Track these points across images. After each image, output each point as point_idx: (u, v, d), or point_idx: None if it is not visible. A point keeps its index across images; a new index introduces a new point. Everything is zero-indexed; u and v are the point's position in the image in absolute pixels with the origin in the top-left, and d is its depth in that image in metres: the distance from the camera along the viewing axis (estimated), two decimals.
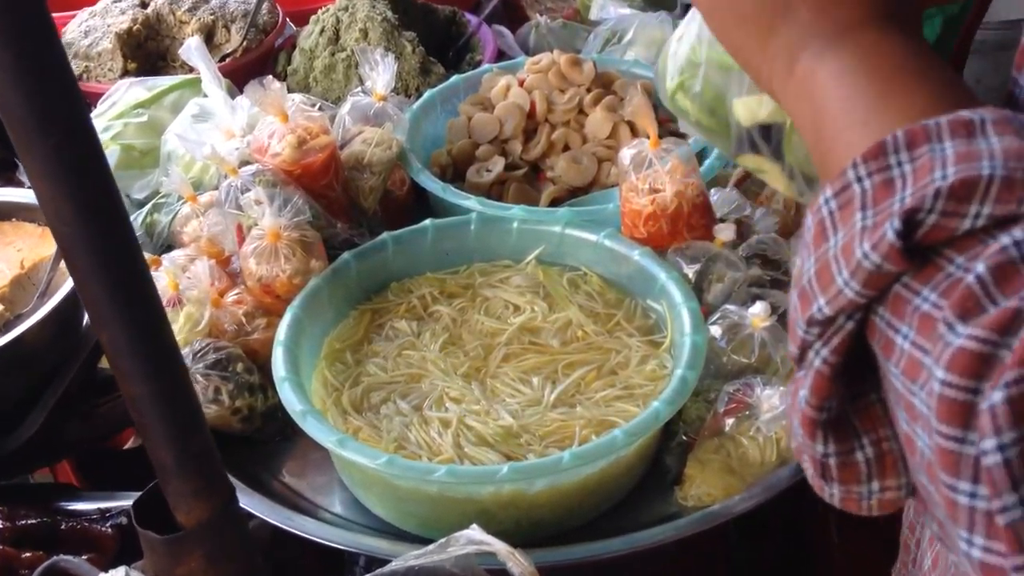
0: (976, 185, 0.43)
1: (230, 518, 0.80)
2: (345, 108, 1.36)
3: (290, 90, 1.70)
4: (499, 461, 1.02)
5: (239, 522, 0.82)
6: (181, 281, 1.18)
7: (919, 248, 0.44)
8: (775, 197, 1.37)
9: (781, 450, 1.06)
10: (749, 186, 1.43)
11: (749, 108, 0.69)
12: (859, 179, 0.47)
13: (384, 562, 0.98)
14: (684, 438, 1.11)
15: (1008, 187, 0.43)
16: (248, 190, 1.23)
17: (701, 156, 1.38)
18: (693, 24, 0.73)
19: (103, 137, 1.54)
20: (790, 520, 1.42)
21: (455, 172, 1.46)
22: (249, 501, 1.06)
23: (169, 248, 1.39)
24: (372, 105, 1.36)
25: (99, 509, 1.17)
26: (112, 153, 1.53)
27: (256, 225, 1.20)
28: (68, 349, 1.28)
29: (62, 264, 1.33)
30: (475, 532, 0.87)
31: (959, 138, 0.45)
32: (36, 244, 1.37)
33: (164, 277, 1.17)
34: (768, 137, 0.70)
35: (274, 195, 1.19)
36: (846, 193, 0.47)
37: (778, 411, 1.00)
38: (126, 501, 1.17)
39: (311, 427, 1.01)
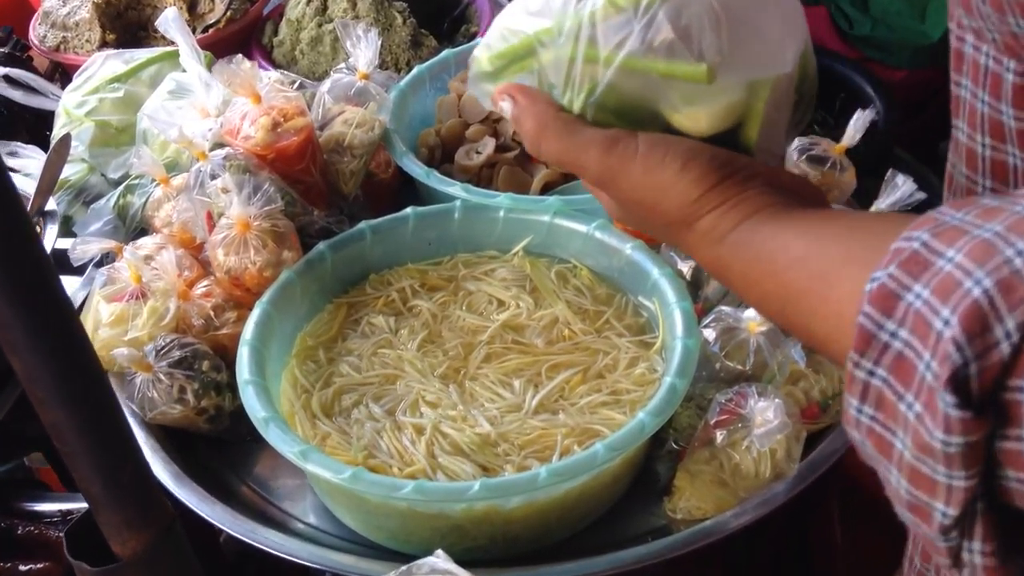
0: (980, 310, 0.40)
1: (170, 548, 0.74)
2: (325, 87, 1.29)
3: (276, 63, 1.63)
4: (474, 473, 0.96)
5: (180, 551, 0.76)
6: (144, 273, 1.12)
7: (984, 399, 0.41)
8: None
9: (777, 462, 0.99)
10: None
11: (696, 120, 0.62)
12: (871, 373, 0.44)
13: None
14: (675, 446, 1.04)
15: (1008, 291, 0.40)
16: (218, 176, 1.16)
17: None
18: (545, 19, 0.63)
19: (78, 113, 1.48)
20: (790, 521, 1.36)
21: (444, 153, 1.39)
22: (211, 511, 1.00)
23: (143, 233, 1.33)
24: (354, 83, 1.29)
25: (60, 511, 1.12)
26: (87, 130, 1.46)
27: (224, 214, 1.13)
28: None
29: None
30: (439, 560, 0.81)
31: (921, 276, 0.43)
32: None
33: (126, 269, 1.10)
34: (726, 141, 0.62)
35: (243, 182, 1.11)
36: (871, 392, 0.45)
37: (772, 425, 0.93)
38: None
39: (273, 436, 0.94)
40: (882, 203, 1.18)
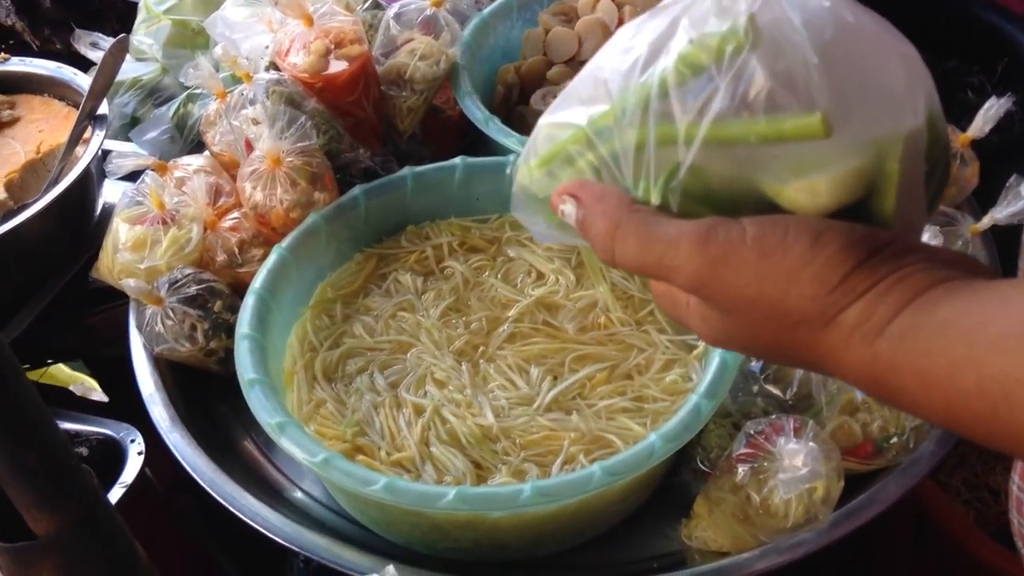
0: None
1: (89, 531, 0.69)
2: (392, 11, 1.18)
3: None
4: (464, 469, 0.87)
5: (105, 534, 0.71)
6: (167, 198, 1.06)
7: None
8: None
9: (813, 503, 0.87)
10: None
11: (814, 191, 0.47)
12: None
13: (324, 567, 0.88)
14: (701, 467, 0.93)
15: None
16: (259, 101, 1.08)
17: None
18: (601, 103, 0.50)
19: (157, 10, 1.42)
20: (854, 558, 1.23)
21: (522, 93, 1.27)
22: (195, 463, 0.95)
23: (200, 147, 1.27)
24: (424, 10, 1.18)
25: (67, 432, 1.10)
26: (163, 29, 1.41)
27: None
28: (69, 247, 1.20)
29: (76, 151, 1.23)
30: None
31: None
32: (59, 126, 1.27)
33: (148, 196, 1.05)
34: (854, 217, 0.47)
35: (278, 113, 1.03)
36: None
37: (799, 473, 0.81)
38: (96, 427, 1.09)
39: (255, 401, 0.88)
40: (999, 212, 1.01)
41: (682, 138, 0.47)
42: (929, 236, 0.97)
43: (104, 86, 1.23)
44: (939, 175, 0.53)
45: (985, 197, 1.15)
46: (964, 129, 1.10)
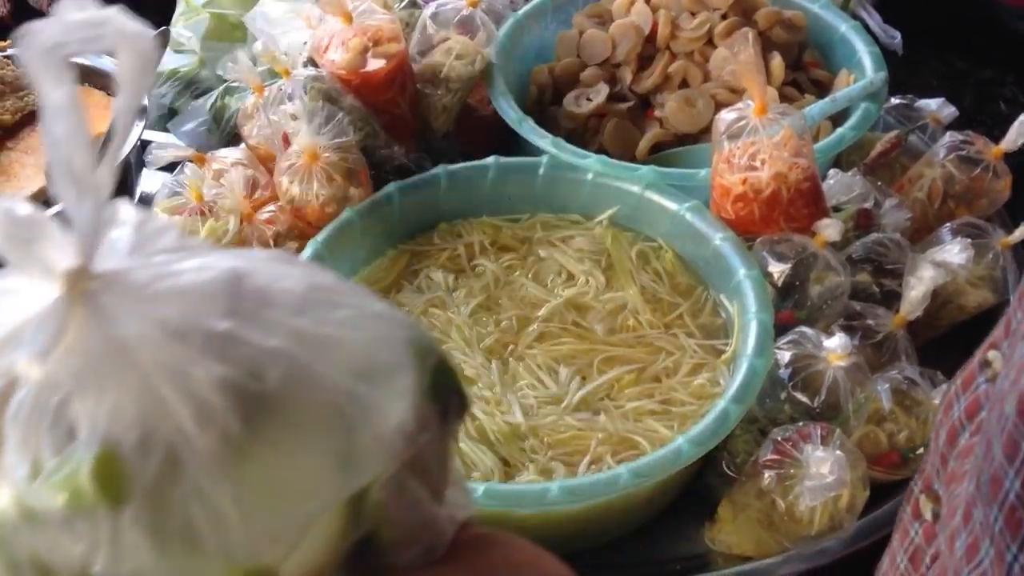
0: None
1: None
2: (429, 10, 1.19)
3: None
4: (492, 466, 0.88)
5: None
6: (213, 188, 1.07)
7: None
8: (920, 182, 1.13)
9: (838, 510, 0.87)
10: (897, 157, 1.19)
11: None
12: None
13: None
14: (727, 471, 0.94)
15: None
16: (297, 96, 1.09)
17: (836, 119, 1.15)
18: None
19: (196, 3, 1.44)
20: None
21: (555, 94, 1.28)
22: None
23: (235, 139, 1.28)
24: (460, 10, 1.19)
25: None
26: (202, 22, 1.42)
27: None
28: None
29: None
30: None
31: None
32: (99, 118, 1.29)
33: (187, 187, 1.06)
34: None
35: (317, 109, 1.05)
36: None
37: (826, 481, 0.81)
38: None
39: None
40: None
41: None
42: (959, 249, 0.97)
43: None
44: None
45: (1017, 209, 1.16)
46: (997, 140, 1.10)
